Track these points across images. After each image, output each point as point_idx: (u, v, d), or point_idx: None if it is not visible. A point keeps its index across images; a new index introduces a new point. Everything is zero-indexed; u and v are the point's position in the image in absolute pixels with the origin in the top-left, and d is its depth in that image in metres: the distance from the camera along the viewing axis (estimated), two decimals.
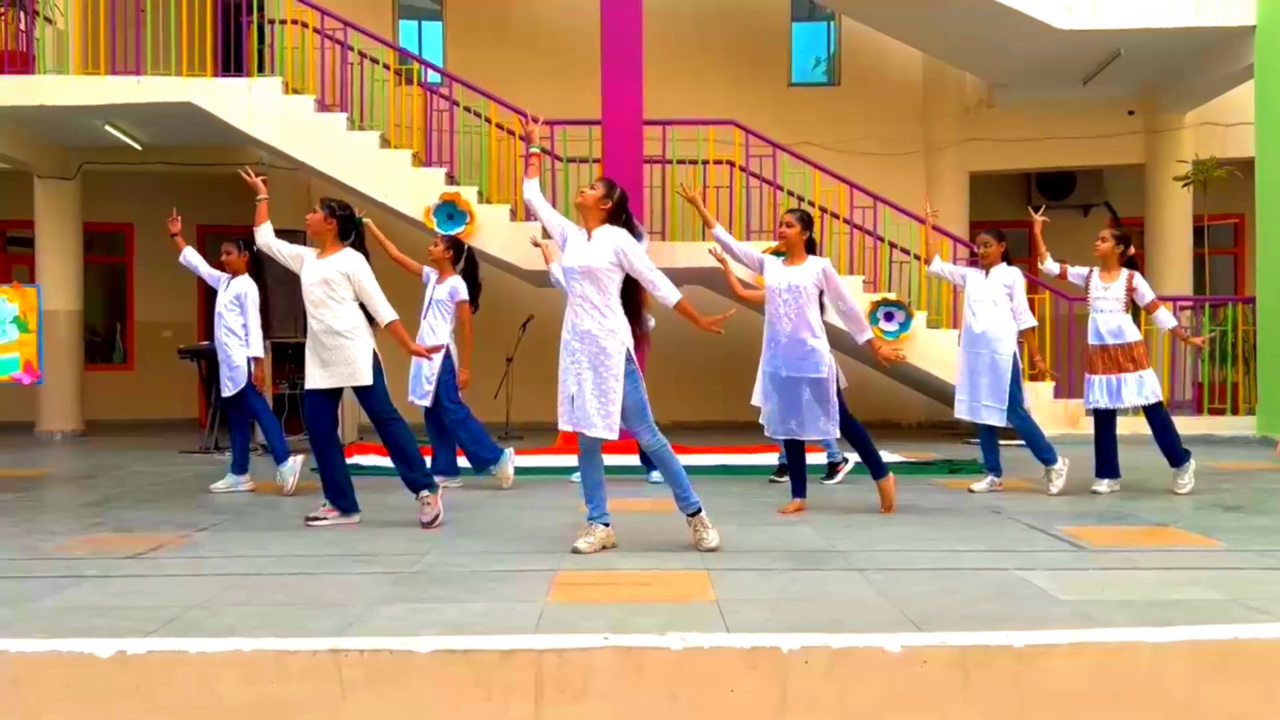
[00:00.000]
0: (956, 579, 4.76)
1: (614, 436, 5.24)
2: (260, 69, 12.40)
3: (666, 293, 5.31)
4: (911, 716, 3.15)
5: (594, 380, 5.24)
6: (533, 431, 12.14)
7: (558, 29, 14.33)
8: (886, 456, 9.78)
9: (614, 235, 5.34)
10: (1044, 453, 7.61)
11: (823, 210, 11.86)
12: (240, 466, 7.96)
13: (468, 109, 11.89)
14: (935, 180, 14.26)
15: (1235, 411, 11.77)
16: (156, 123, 12.40)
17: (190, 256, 8.21)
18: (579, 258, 5.34)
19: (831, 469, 8.17)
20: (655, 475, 7.77)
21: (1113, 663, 3.25)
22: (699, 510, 5.43)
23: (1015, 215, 16.06)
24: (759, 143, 11.92)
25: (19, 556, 5.43)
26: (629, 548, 5.47)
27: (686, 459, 9.58)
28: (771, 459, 8.82)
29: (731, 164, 11.96)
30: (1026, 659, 3.23)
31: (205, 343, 11.34)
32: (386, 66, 12.02)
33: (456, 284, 7.98)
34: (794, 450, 6.82)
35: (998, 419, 7.63)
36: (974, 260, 8.11)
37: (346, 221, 6.41)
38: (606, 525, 5.44)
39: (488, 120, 11.84)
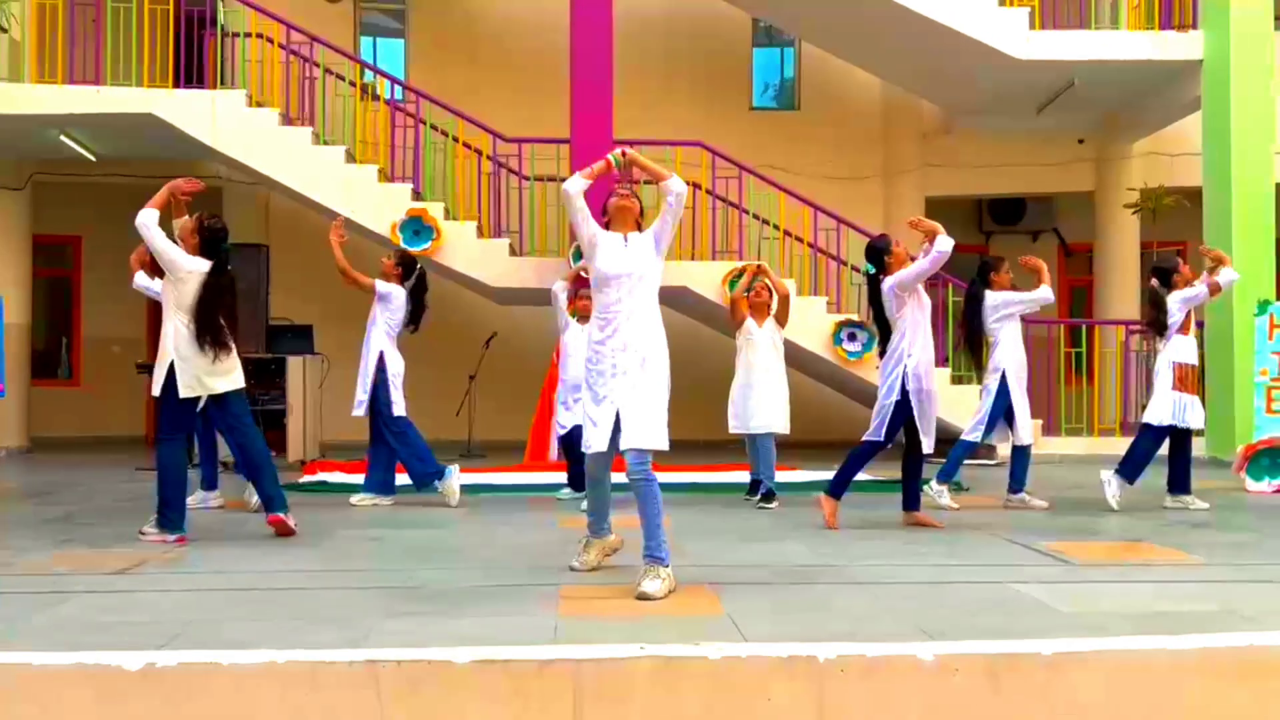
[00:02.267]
0: (955, 592, 4.82)
1: (666, 446, 4.93)
2: (219, 82, 12.27)
3: (674, 182, 4.99)
4: None
5: (647, 392, 4.88)
6: (495, 449, 12.09)
7: (522, 48, 14.35)
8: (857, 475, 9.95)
9: (644, 233, 5.11)
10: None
11: (787, 234, 12.01)
12: (210, 483, 7.82)
13: (434, 127, 11.85)
14: (893, 205, 14.49)
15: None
16: (113, 134, 12.21)
17: (143, 280, 7.90)
18: (626, 263, 4.97)
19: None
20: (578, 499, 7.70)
21: (1134, 671, 3.32)
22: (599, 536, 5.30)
23: (968, 240, 16.41)
24: (724, 165, 12.02)
25: None
26: (623, 565, 5.43)
27: (661, 477, 9.63)
28: (743, 477, 8.83)
29: (697, 186, 12.03)
30: (1055, 667, 3.30)
31: None
32: (353, 84, 11.96)
33: (388, 284, 7.94)
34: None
35: (975, 437, 7.84)
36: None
37: (209, 243, 6.26)
38: (600, 536, 5.37)
39: (455, 139, 11.81)
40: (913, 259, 6.99)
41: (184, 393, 6.14)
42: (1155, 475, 7.99)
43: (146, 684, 3.11)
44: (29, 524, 6.99)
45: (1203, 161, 12.00)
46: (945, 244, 6.71)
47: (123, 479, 9.75)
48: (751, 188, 11.97)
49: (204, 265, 6.21)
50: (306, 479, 9.49)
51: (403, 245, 11.22)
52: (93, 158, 13.01)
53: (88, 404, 15.29)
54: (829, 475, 9.16)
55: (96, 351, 15.49)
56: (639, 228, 5.14)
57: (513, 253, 11.73)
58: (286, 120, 11.60)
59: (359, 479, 9.22)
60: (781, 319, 8.15)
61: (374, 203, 11.41)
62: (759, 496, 7.94)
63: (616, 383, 4.90)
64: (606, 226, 5.11)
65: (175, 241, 6.38)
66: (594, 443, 4.99)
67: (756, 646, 3.38)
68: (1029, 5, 11.97)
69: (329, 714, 3.12)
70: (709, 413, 12.53)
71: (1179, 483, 7.85)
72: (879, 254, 7.04)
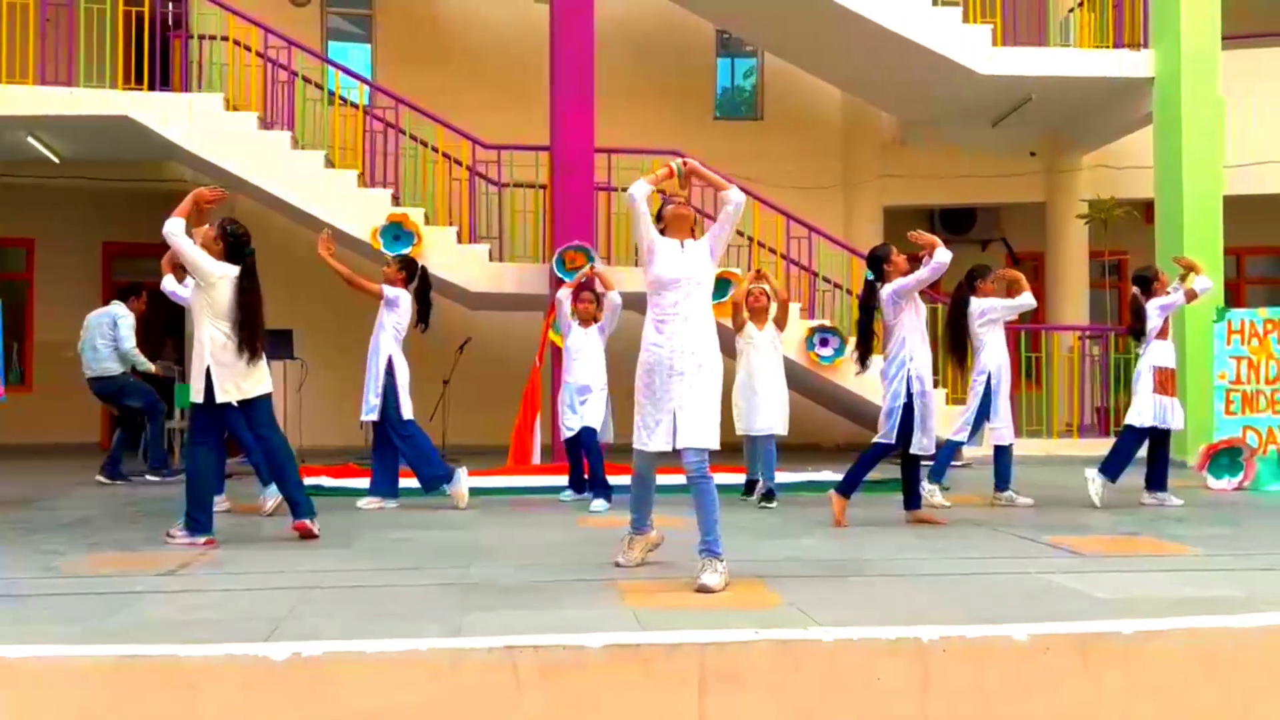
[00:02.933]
0: (992, 583, 5.09)
1: (718, 446, 5.12)
2: (185, 85, 12.19)
3: (733, 193, 5.23)
4: (1038, 697, 3.45)
5: (703, 393, 5.06)
6: (468, 454, 12.11)
7: (489, 53, 14.48)
8: (830, 476, 10.25)
9: (699, 240, 5.33)
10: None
11: (760, 245, 12.29)
12: (217, 487, 7.82)
13: (414, 137, 11.92)
14: (853, 214, 14.88)
15: None
16: (80, 135, 12.08)
17: (171, 285, 7.96)
18: (683, 268, 5.16)
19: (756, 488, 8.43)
20: (597, 504, 7.88)
21: (1205, 648, 3.62)
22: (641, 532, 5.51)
23: (917, 248, 16.92)
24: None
25: (42, 575, 5.29)
26: (663, 561, 5.61)
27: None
28: (736, 478, 9.03)
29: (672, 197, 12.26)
30: (1135, 645, 3.58)
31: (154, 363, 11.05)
32: (332, 92, 11.98)
33: (395, 288, 8.03)
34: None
35: (962, 438, 8.19)
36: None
37: (234, 247, 6.30)
38: (643, 533, 5.54)
39: (434, 149, 11.90)
40: (915, 260, 7.27)
41: (221, 398, 6.20)
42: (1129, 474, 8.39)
43: (292, 673, 3.23)
44: (49, 528, 6.94)
45: (1154, 175, 12.55)
46: (944, 256, 7.05)
47: (120, 484, 9.69)
48: None
49: (233, 271, 6.27)
50: None
51: (383, 250, 11.32)
52: (56, 159, 12.83)
53: (39, 411, 14.99)
54: (812, 477, 9.55)
55: (50, 356, 15.19)
56: (693, 235, 5.35)
57: (492, 258, 11.85)
58: (265, 124, 11.58)
59: (351, 483, 9.29)
60: (780, 323, 8.41)
61: (354, 208, 11.44)
62: (759, 496, 8.18)
63: (674, 384, 5.08)
64: (663, 233, 5.30)
65: None
66: (648, 442, 5.17)
67: (865, 630, 3.61)
68: (991, 23, 12.42)
69: (469, 699, 3.27)
70: None
71: (1157, 480, 8.25)
72: (879, 262, 7.34)
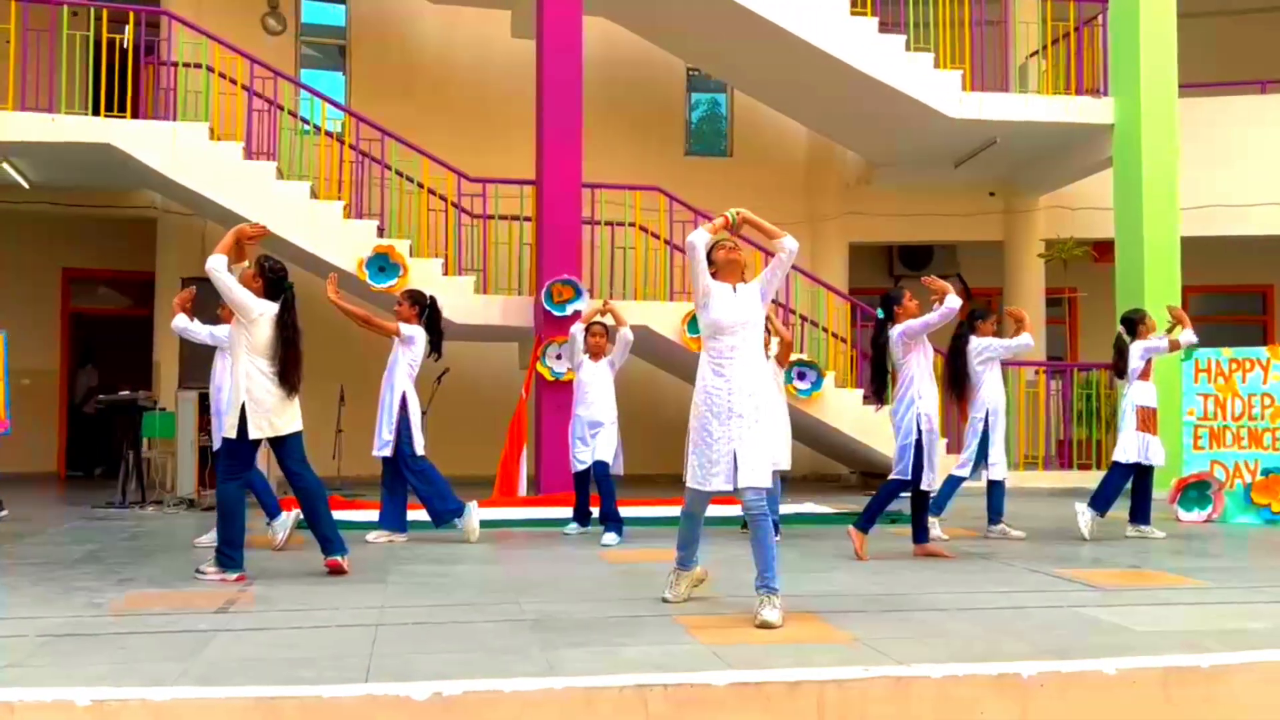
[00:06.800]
0: (1035, 615, 5.30)
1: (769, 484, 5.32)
2: (157, 112, 12.08)
3: (787, 240, 5.42)
4: None
5: (762, 433, 5.26)
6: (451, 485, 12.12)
7: (463, 84, 14.58)
8: (813, 508, 10.48)
9: (750, 284, 5.52)
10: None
11: None
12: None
13: (399, 173, 11.96)
14: (820, 250, 15.19)
15: (1099, 466, 12.97)
16: (57, 162, 11.91)
17: (182, 323, 7.94)
18: (739, 311, 5.36)
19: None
20: (608, 538, 7.99)
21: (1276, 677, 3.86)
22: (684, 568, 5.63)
23: (880, 283, 17.34)
24: (678, 208, 12.51)
25: (94, 614, 5.24)
26: (705, 597, 5.72)
27: (657, 511, 9.82)
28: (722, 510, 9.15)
29: (657, 234, 12.48)
30: (1214, 677, 3.80)
31: (125, 392, 10.90)
32: (316, 128, 11.97)
33: (411, 326, 8.13)
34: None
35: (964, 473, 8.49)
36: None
37: (273, 284, 6.38)
38: (689, 569, 5.67)
39: (419, 185, 11.95)
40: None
41: (254, 434, 6.22)
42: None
43: (434, 712, 3.29)
44: (64, 563, 6.85)
45: (1115, 218, 13.04)
46: (954, 302, 7.33)
47: (107, 517, 9.57)
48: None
49: (273, 308, 6.30)
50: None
51: (369, 281, 11.34)
52: (26, 185, 12.62)
53: None
54: (811, 509, 9.74)
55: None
56: (743, 278, 5.53)
57: (476, 290, 11.92)
58: (249, 154, 11.53)
59: (349, 515, 9.25)
60: (782, 360, 8.61)
61: (339, 239, 11.43)
62: None
63: (734, 425, 5.24)
64: (714, 276, 5.46)
65: None
66: (706, 483, 5.31)
67: (970, 666, 3.78)
68: (960, 69, 12.86)
69: None
70: (666, 447, 12.95)
71: (1140, 514, 8.59)
72: (890, 303, 7.60)
